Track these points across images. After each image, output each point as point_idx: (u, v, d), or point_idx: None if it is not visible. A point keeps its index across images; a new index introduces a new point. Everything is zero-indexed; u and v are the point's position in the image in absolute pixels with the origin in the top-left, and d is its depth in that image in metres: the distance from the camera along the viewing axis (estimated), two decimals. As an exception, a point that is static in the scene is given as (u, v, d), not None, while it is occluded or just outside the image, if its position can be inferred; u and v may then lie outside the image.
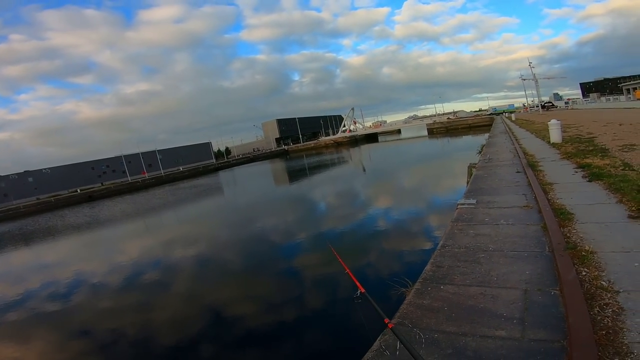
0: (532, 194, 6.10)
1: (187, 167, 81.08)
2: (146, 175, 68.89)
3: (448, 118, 72.16)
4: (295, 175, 41.48)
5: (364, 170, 33.98)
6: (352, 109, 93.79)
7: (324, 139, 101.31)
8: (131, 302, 9.98)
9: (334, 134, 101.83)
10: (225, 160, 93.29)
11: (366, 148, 56.71)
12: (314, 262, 10.22)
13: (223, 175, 58.39)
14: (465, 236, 4.59)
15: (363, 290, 1.73)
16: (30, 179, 68.39)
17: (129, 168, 72.57)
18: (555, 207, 5.08)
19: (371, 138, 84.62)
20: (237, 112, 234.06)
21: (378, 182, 25.38)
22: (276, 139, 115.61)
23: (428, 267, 3.94)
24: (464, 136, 42.41)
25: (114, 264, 14.99)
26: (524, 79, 62.67)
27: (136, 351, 7.04)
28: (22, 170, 70.34)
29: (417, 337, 2.78)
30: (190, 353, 6.56)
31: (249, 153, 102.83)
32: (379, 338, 2.88)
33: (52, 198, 53.55)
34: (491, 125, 39.33)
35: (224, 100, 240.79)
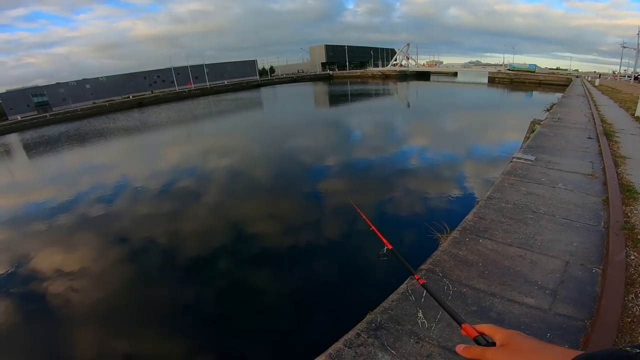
0: (600, 163, 5.55)
1: (231, 81, 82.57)
2: (192, 86, 71.23)
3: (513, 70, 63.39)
4: (335, 99, 40.36)
5: (409, 105, 32.00)
6: (408, 44, 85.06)
7: (371, 69, 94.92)
8: (164, 207, 10.96)
9: (383, 67, 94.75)
10: (269, 78, 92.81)
11: (415, 84, 52.63)
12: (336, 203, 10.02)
13: (265, 91, 58.46)
14: (516, 192, 4.33)
15: (390, 247, 1.62)
16: (88, 86, 72.62)
17: (177, 79, 76.03)
18: (623, 182, 4.64)
19: (422, 76, 77.78)
20: (284, 35, 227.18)
21: (422, 120, 23.91)
22: (322, 63, 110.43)
23: (469, 216, 3.81)
24: (531, 92, 37.73)
25: (155, 168, 16.41)
26: (625, 47, 53.02)
27: (162, 255, 7.80)
28: (80, 78, 74.20)
29: (445, 287, 2.79)
30: (210, 265, 7.10)
31: (292, 74, 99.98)
32: (405, 282, 2.90)
33: (106, 103, 57.12)
34: (567, 85, 34.63)
35: (272, 23, 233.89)
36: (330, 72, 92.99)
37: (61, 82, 71.16)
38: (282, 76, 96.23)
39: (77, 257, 8.30)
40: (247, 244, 7.82)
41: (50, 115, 49.76)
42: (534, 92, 37.54)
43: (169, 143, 23.18)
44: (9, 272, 7.94)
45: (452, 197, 9.29)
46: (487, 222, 3.69)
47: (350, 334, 2.41)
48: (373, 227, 1.90)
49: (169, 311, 5.77)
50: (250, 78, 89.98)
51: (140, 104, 53.30)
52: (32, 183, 17.67)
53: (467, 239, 3.41)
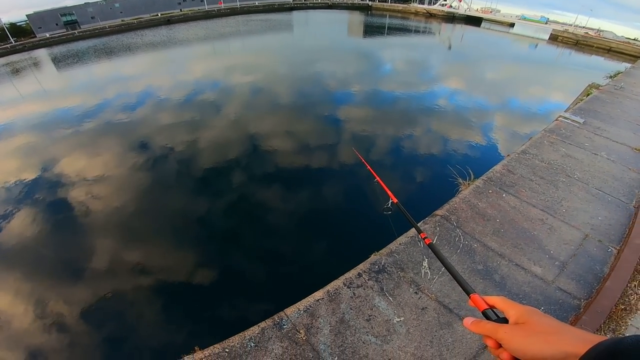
0: (654, 137, 4.98)
1: (262, 2, 77.45)
2: (222, 5, 68.26)
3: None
4: (371, 31, 37.24)
5: (450, 47, 29.15)
6: (463, -17, 74.02)
7: (415, 5, 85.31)
8: (184, 117, 11.08)
9: (429, 4, 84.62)
10: (302, 2, 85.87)
11: (462, 28, 47.44)
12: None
13: (297, 15, 54.51)
14: (554, 152, 4.06)
15: (395, 200, 1.51)
16: (117, 5, 70.99)
17: None
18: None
19: (472, 20, 69.45)
20: None
21: (461, 64, 21.83)
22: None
23: (497, 167, 3.62)
24: (595, 55, 33.31)
25: (178, 80, 16.32)
26: None
27: (179, 163, 8.09)
28: None
29: (457, 239, 2.72)
30: (224, 179, 7.33)
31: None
32: (404, 234, 2.80)
33: (135, 20, 55.63)
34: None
35: None
36: (370, 3, 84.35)
37: (90, 1, 69.86)
38: (317, 1, 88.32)
39: (99, 162, 8.76)
40: (261, 160, 7.96)
41: (78, 32, 49.13)
42: (597, 57, 33.22)
43: (193, 58, 22.71)
44: (37, 175, 8.50)
45: (480, 145, 8.84)
46: (515, 176, 3.52)
47: (351, 273, 2.43)
48: (378, 178, 1.78)
49: (180, 221, 6.11)
50: (283, 0, 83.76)
51: (169, 21, 51.50)
52: (60, 91, 18.14)
53: (490, 191, 3.27)
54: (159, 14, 61.75)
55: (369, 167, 2.15)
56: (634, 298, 2.29)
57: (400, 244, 2.65)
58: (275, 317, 2.32)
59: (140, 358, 4.07)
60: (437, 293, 2.29)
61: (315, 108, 11.32)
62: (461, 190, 3.34)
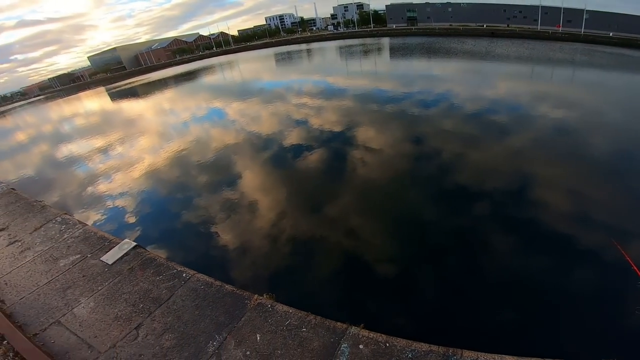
0: None
1: (619, 34, 60.69)
2: (560, 28, 59.31)
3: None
4: None
5: None
6: None
7: None
8: (464, 130, 10.69)
9: None
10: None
11: None
12: None
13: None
14: None
15: None
16: (450, 9, 79.45)
17: (542, 18, 66.56)
18: None
19: None
20: None
21: None
22: None
23: None
24: None
25: (476, 94, 15.45)
26: None
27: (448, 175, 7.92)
28: (445, 2, 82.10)
29: None
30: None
31: None
32: None
33: (461, 27, 59.26)
34: None
35: None
36: None
37: (430, 2, 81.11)
38: None
39: (380, 139, 9.86)
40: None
41: (415, 28, 58.64)
42: None
43: (503, 75, 20.99)
44: (339, 130, 10.80)
45: None
46: None
47: None
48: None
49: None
50: (647, 37, 62.50)
51: (493, 34, 50.89)
52: (383, 75, 22.19)
53: None
54: (485, 25, 63.23)
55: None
56: None
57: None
58: (450, 350, 2.26)
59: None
60: None
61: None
62: None
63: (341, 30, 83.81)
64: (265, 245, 5.97)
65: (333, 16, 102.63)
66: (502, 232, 5.62)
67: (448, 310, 4.37)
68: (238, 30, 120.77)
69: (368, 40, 47.91)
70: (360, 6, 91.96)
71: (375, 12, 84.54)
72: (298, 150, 10.41)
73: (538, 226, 5.65)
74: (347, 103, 15.49)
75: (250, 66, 44.50)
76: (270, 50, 65.83)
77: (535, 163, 8.17)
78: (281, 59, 46.23)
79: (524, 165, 8.11)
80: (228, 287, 3.57)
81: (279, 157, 10.19)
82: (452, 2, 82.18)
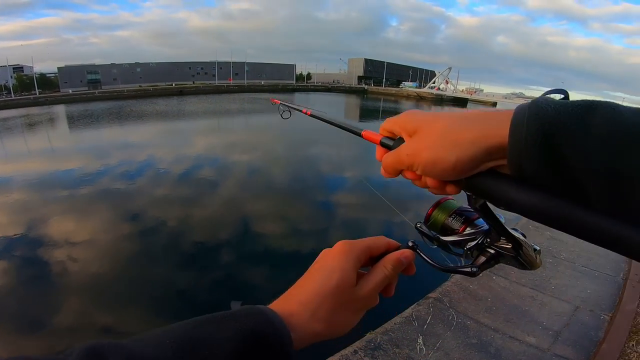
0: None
1: (268, 82, 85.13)
2: (232, 81, 74.43)
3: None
4: (367, 114, 40.23)
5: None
6: (450, 68, 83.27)
7: (407, 88, 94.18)
8: (181, 191, 11.09)
9: (418, 88, 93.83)
10: (304, 84, 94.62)
11: (450, 110, 51.79)
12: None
13: (299, 96, 59.45)
14: (539, 235, 4.34)
15: None
16: (139, 70, 78.74)
17: (219, 73, 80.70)
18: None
19: (459, 102, 76.16)
20: (325, 44, 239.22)
21: None
22: (359, 76, 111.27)
23: None
24: None
25: (180, 153, 16.77)
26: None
27: (169, 237, 7.88)
28: (133, 62, 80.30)
29: (450, 317, 2.86)
30: (212, 256, 7.18)
31: (328, 83, 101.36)
32: (411, 307, 2.97)
33: (151, 87, 60.87)
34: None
35: (315, 30, 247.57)
36: (366, 87, 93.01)
37: (115, 63, 77.22)
38: (318, 84, 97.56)
39: (88, 227, 8.55)
40: (247, 241, 7.77)
41: (98, 92, 53.23)
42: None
43: (197, 132, 23.95)
44: (19, 233, 8.29)
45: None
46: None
47: (347, 350, 2.51)
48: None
49: (161, 293, 5.77)
50: (287, 82, 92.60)
51: (181, 92, 56.03)
52: (65, 151, 18.76)
53: (480, 275, 3.30)
54: (174, 84, 67.24)
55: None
56: (634, 356, 2.37)
57: (395, 323, 2.77)
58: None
59: None
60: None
61: (306, 190, 11.46)
62: (452, 276, 3.41)
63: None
64: None
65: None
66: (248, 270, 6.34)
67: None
68: None
69: (34, 110, 38.16)
70: (19, 69, 71.73)
71: (43, 75, 69.39)
72: None
73: (273, 252, 6.84)
74: (18, 195, 11.11)
75: None
76: None
77: (247, 202, 9.89)
78: None
79: (240, 206, 9.66)
80: None
81: None
82: (140, 62, 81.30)
